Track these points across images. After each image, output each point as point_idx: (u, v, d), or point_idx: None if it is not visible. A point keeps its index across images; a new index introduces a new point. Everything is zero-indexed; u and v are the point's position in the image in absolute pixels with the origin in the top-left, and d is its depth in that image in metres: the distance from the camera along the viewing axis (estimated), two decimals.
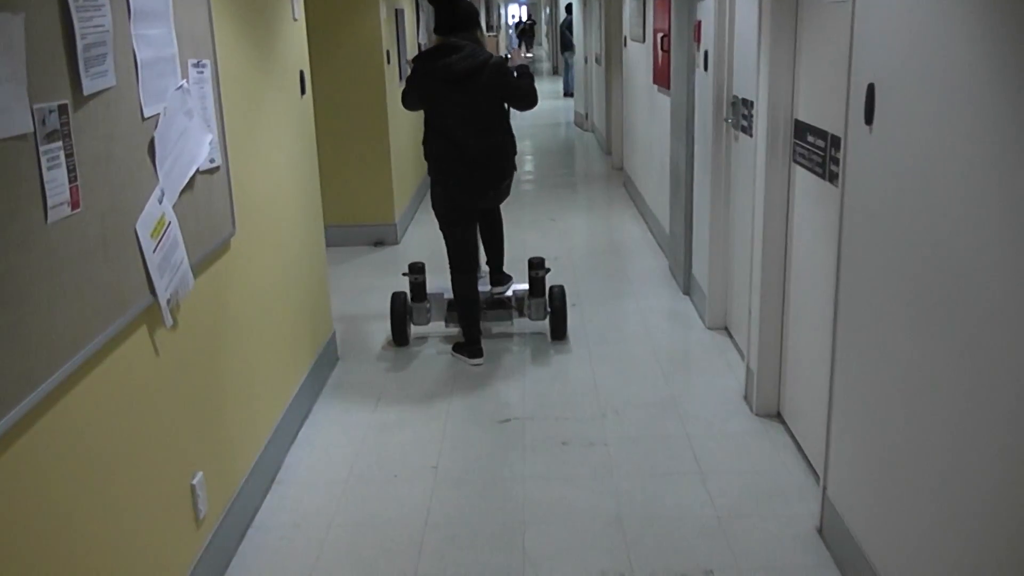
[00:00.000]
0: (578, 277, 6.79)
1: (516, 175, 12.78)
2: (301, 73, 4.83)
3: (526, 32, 23.11)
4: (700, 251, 5.70)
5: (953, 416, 2.30)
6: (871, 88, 2.78)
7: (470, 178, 4.95)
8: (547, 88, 23.64)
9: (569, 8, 20.59)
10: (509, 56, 5.18)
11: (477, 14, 5.02)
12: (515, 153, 5.13)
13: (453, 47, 4.83)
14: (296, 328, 4.50)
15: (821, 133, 3.59)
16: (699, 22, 5.58)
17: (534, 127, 16.29)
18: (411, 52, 9.58)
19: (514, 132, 5.14)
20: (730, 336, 5.38)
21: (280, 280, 4.27)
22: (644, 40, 8.08)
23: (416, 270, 5.43)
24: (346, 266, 7.36)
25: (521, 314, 5.55)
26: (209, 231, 3.34)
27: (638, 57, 8.63)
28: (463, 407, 4.64)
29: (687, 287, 6.16)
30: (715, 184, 5.31)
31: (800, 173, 3.93)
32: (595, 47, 12.88)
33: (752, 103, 4.51)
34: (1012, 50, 1.99)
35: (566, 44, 20.42)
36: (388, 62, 7.94)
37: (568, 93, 20.32)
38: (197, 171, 3.20)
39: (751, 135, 4.57)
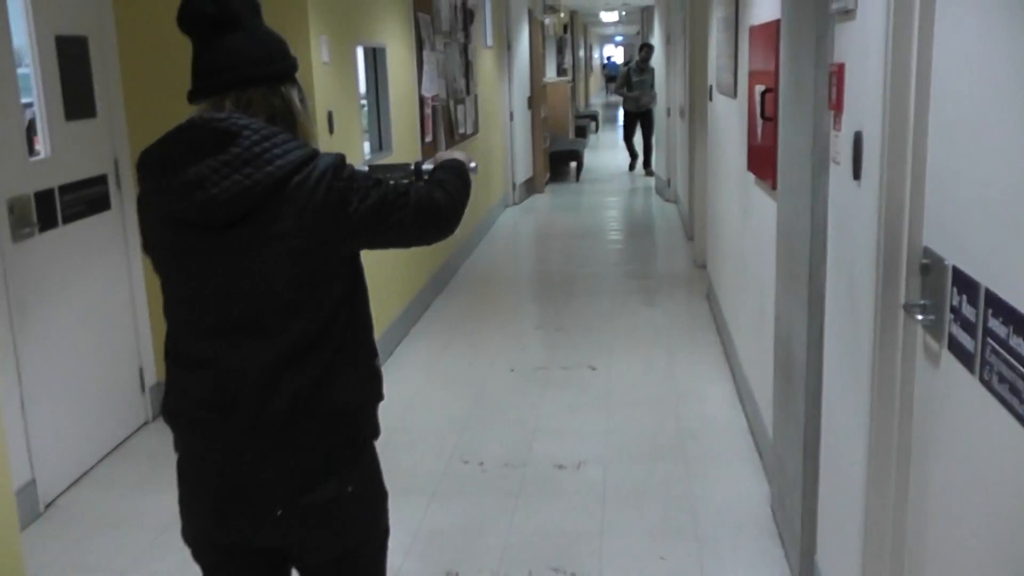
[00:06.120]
0: (607, 521, 3.82)
1: (548, 281, 9.58)
2: None
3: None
4: (835, 522, 2.69)
5: None
6: None
7: (221, 469, 2.02)
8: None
9: (642, 48, 15.48)
10: (420, 165, 2.32)
11: (282, 53, 2.08)
12: (367, 403, 2.11)
13: (208, 137, 1.92)
14: None
15: None
16: (840, 65, 2.62)
17: (600, 194, 13.25)
18: (401, 115, 6.74)
19: (372, 347, 2.14)
20: None
21: None
22: (735, 94, 5.08)
23: None
24: None
25: None
26: None
27: (727, 120, 5.59)
28: None
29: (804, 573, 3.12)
30: (881, 435, 2.31)
31: None
32: (678, 96, 9.90)
33: (980, 287, 1.55)
34: None
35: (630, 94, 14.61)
36: (331, 131, 5.11)
37: (634, 162, 15.16)
38: None
39: (971, 366, 1.63)
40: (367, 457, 2.12)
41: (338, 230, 1.94)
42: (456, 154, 2.33)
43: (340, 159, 1.98)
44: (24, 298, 4.00)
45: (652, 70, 14.31)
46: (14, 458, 3.91)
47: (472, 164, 2.34)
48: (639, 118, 14.37)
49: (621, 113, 14.86)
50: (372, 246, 2.05)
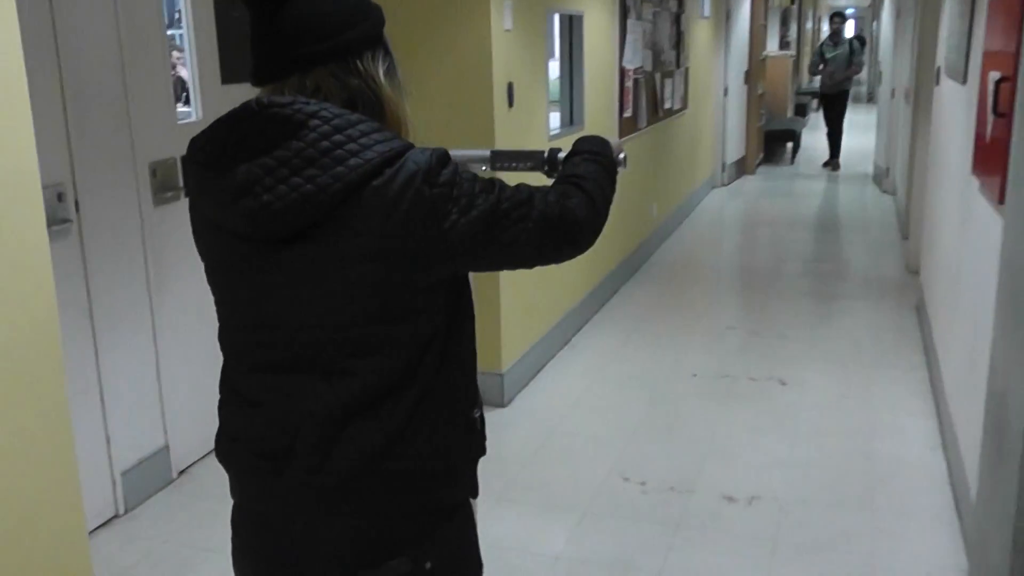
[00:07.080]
0: (774, 573, 3.33)
1: (737, 263, 8.62)
2: None
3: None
4: None
5: None
6: None
7: (273, 528, 1.66)
8: (861, 119, 17.80)
9: (833, 19, 13.24)
10: (556, 155, 1.83)
11: (359, 14, 1.59)
12: (459, 462, 1.66)
13: (265, 127, 1.50)
14: None
15: None
16: None
17: (814, 179, 12.31)
18: (597, 88, 6.28)
19: (472, 393, 1.73)
20: None
21: None
22: (965, 79, 4.38)
23: None
24: None
25: None
26: None
27: (953, 109, 4.87)
28: None
29: None
30: None
31: None
32: (904, 77, 9.01)
33: None
34: None
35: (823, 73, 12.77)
36: (511, 104, 4.74)
37: (834, 156, 12.93)
38: None
39: None
40: (457, 525, 1.70)
41: (429, 252, 1.48)
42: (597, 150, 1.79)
43: (438, 157, 1.50)
44: (163, 262, 3.94)
45: (849, 42, 12.59)
46: (149, 422, 3.94)
47: (621, 155, 1.82)
48: (833, 99, 12.70)
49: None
50: (477, 268, 1.61)
